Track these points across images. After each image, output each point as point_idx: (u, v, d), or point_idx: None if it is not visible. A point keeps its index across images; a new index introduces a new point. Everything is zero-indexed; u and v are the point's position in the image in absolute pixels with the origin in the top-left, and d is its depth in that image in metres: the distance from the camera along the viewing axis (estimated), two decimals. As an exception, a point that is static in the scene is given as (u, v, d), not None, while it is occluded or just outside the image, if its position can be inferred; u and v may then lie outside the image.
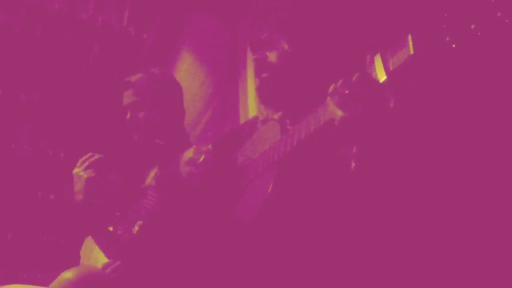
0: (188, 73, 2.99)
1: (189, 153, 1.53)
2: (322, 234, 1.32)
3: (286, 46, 1.47)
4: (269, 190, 1.32)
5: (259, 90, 1.52)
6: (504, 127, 1.46)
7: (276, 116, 1.55)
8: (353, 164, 1.21)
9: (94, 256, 2.13)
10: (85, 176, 2.01)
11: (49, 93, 2.95)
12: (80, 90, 3.02)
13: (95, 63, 3.07)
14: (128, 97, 2.20)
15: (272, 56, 1.49)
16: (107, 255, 2.01)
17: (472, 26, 0.89)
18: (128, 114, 2.18)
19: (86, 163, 2.05)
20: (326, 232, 1.32)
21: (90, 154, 2.08)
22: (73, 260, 2.31)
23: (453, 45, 0.92)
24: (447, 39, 0.93)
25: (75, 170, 2.05)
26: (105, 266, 1.93)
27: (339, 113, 1.14)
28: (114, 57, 3.13)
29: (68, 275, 1.67)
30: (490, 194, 1.48)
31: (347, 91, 1.13)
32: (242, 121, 2.74)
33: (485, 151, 1.48)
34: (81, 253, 2.30)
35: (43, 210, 2.89)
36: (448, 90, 1.45)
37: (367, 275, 1.29)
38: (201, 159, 1.48)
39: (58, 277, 1.69)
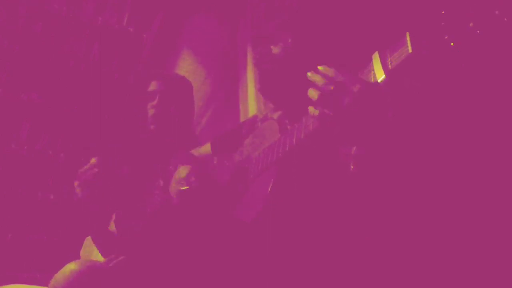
0: (188, 73, 2.98)
1: (181, 173, 1.53)
2: (322, 234, 1.31)
3: (289, 41, 1.47)
4: (269, 190, 1.32)
5: (259, 80, 1.52)
6: (504, 127, 1.45)
7: (275, 116, 1.54)
8: (352, 165, 1.20)
9: (94, 257, 2.14)
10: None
11: (49, 93, 2.95)
12: (80, 90, 3.03)
13: (95, 63, 3.07)
14: (156, 86, 2.31)
15: (274, 50, 1.49)
16: (104, 254, 2.01)
17: (471, 24, 0.89)
18: (156, 99, 2.26)
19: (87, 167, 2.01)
20: (326, 232, 1.31)
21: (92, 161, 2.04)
22: (73, 260, 2.31)
23: (452, 44, 0.91)
24: (446, 37, 0.92)
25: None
26: (109, 260, 1.93)
27: (328, 113, 1.12)
28: (114, 57, 3.14)
29: (72, 266, 1.68)
30: (490, 196, 1.47)
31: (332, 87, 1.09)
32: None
33: (485, 151, 1.48)
34: (81, 253, 2.30)
35: (43, 210, 2.90)
36: (447, 89, 1.45)
37: (367, 276, 1.29)
38: (183, 188, 1.50)
39: (62, 268, 1.69)
